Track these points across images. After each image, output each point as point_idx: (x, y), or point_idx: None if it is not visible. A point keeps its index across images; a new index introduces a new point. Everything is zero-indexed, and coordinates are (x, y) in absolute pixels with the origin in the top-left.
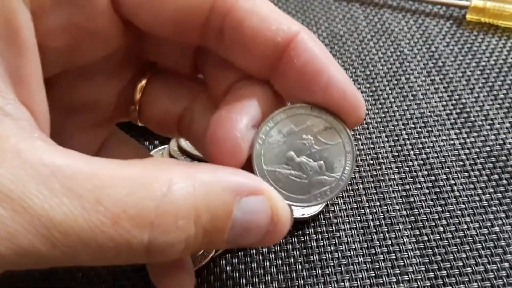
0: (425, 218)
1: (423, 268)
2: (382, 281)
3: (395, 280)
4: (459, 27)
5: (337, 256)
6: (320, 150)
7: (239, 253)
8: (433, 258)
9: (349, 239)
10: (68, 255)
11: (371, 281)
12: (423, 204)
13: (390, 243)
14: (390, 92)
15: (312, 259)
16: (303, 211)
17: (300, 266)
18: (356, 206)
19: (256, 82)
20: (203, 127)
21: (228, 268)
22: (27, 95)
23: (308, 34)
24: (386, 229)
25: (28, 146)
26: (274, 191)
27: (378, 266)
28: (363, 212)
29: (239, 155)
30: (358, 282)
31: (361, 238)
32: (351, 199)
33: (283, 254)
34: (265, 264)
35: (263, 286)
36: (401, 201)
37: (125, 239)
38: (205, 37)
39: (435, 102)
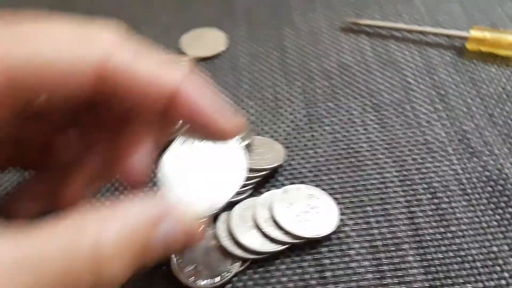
0: (429, 238)
1: (427, 285)
2: None
3: None
4: (460, 56)
5: (348, 273)
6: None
7: (259, 269)
8: (436, 275)
9: (359, 258)
10: None
11: None
12: (427, 225)
13: (397, 261)
14: (396, 120)
15: (326, 275)
16: (317, 232)
17: (315, 282)
18: (365, 227)
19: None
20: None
21: (250, 283)
22: None
23: (190, 81)
24: (393, 249)
25: None
26: (181, 207)
27: (386, 283)
28: (372, 232)
29: (145, 183)
30: None
31: (370, 256)
32: (360, 221)
33: (299, 271)
34: (283, 279)
35: None
36: (407, 222)
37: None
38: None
39: (438, 129)
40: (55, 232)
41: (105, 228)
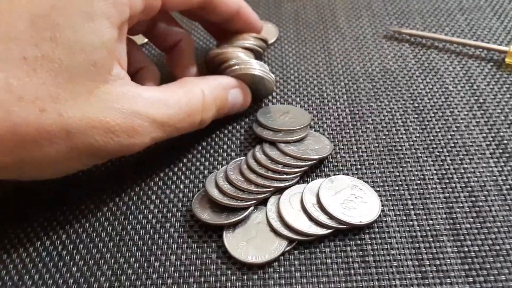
0: (466, 232)
1: (463, 274)
2: (427, 282)
3: (439, 282)
4: (498, 69)
5: (389, 259)
6: None
7: (305, 250)
8: (472, 266)
9: (399, 246)
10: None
11: (418, 281)
12: (464, 220)
13: (435, 251)
14: (436, 123)
15: (367, 260)
16: (360, 219)
17: (357, 265)
18: (405, 219)
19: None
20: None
21: (296, 262)
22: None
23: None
24: (431, 239)
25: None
26: (243, 84)
27: (424, 270)
28: (412, 224)
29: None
30: (407, 282)
31: (409, 245)
32: (401, 213)
33: (342, 254)
34: (327, 261)
35: (326, 279)
36: (445, 216)
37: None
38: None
39: (476, 134)
40: (178, 86)
41: (204, 87)
